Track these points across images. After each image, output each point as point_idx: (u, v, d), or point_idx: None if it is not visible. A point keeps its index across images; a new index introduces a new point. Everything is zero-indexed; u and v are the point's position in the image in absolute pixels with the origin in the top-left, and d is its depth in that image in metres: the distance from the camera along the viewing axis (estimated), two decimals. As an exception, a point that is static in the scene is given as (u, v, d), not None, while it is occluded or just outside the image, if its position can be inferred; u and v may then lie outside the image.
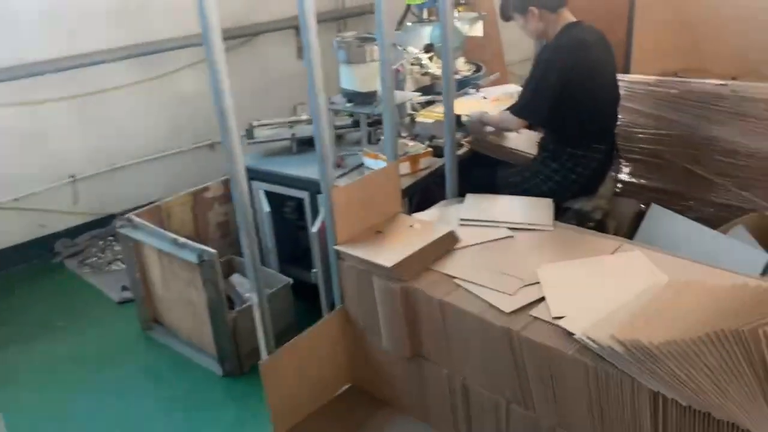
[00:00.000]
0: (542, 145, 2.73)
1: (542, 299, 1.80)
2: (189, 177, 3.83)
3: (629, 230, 3.30)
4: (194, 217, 3.14)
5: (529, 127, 2.91)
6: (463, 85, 3.31)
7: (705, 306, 1.46)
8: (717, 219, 3.08)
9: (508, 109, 2.67)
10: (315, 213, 2.82)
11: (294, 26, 4.55)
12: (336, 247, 2.09)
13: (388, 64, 2.11)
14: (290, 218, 3.08)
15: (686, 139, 3.12)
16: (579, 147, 2.59)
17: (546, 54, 2.51)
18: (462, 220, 2.30)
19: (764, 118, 2.87)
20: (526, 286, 1.88)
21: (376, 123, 3.15)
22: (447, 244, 2.12)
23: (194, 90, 4.16)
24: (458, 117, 2.89)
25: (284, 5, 4.46)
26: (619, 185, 3.35)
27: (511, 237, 2.18)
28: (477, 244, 2.15)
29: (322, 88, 1.89)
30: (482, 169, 2.95)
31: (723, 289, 1.54)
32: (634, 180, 3.35)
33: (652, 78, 3.28)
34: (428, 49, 2.86)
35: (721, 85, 3.06)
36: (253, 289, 2.01)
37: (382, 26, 2.06)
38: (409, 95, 2.91)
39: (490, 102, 3.20)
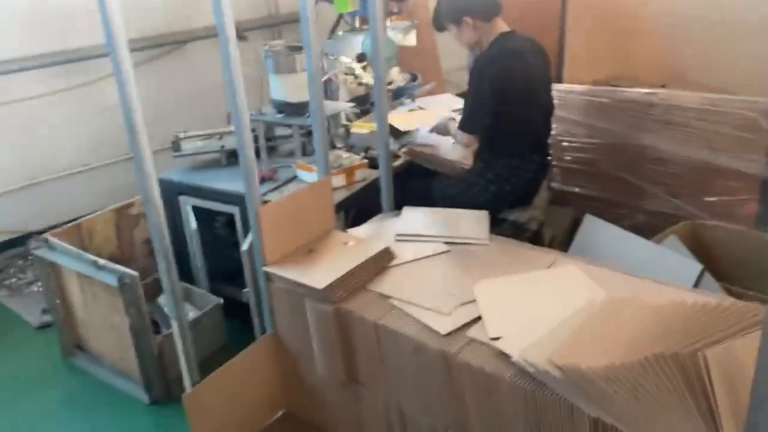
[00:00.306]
0: (478, 156, 2.69)
1: (479, 318, 1.75)
2: (117, 190, 3.64)
3: (565, 239, 3.31)
4: (119, 235, 2.97)
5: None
6: (398, 95, 3.26)
7: (643, 326, 1.43)
8: (650, 227, 3.12)
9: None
10: (247, 229, 2.70)
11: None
12: (265, 269, 1.99)
13: (317, 75, 2.03)
14: (221, 234, 2.95)
15: (618, 148, 3.15)
16: (514, 158, 2.56)
17: (479, 66, 2.48)
18: (398, 235, 2.23)
19: (692, 126, 2.92)
20: (462, 305, 1.82)
21: (311, 133, 3.06)
22: (382, 261, 2.04)
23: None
24: (393, 128, 2.83)
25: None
26: (553, 194, 3.36)
27: (448, 252, 2.13)
28: (413, 260, 2.09)
29: (244, 102, 1.79)
30: (419, 181, 2.90)
31: (661, 307, 1.52)
32: (568, 188, 3.37)
33: (584, 87, 3.31)
34: (361, 58, 2.80)
35: (650, 93, 3.10)
36: (172, 315, 1.88)
37: (309, 35, 1.98)
38: (343, 106, 2.83)
39: (426, 113, 3.15)
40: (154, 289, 2.89)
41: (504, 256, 2.10)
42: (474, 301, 1.84)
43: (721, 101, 2.84)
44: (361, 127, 2.87)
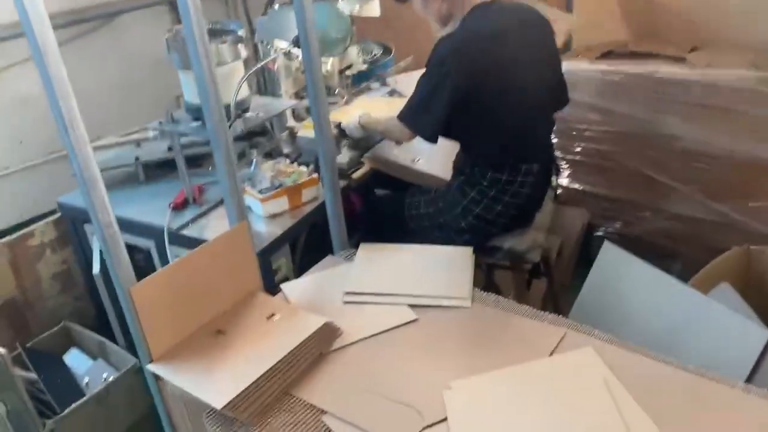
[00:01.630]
0: (457, 167, 2.07)
1: (452, 456, 1.17)
2: (44, 195, 3.02)
3: (576, 248, 2.71)
4: (16, 274, 2.38)
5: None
6: (363, 78, 2.61)
7: None
8: (678, 234, 2.52)
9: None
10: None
11: (168, 0, 3.69)
12: (149, 368, 1.40)
13: (208, 71, 1.39)
14: (146, 271, 2.35)
15: (640, 137, 2.51)
16: (503, 170, 1.93)
17: (443, 49, 1.82)
18: (348, 294, 1.63)
19: (735, 110, 2.27)
20: (426, 428, 1.24)
21: (253, 135, 2.43)
22: (320, 344, 1.45)
23: (41, 88, 3.30)
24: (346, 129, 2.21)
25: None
26: (560, 193, 2.74)
27: (415, 322, 1.53)
28: (366, 338, 1.49)
29: (79, 123, 1.18)
30: (387, 196, 2.29)
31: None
32: (576, 186, 2.74)
33: (594, 62, 2.65)
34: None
35: (678, 64, 2.45)
36: None
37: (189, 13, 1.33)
38: (286, 104, 2.18)
39: (398, 100, 2.50)
40: (62, 343, 2.32)
41: (491, 328, 1.50)
42: (444, 420, 1.25)
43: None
44: (311, 128, 2.23)
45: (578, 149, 2.69)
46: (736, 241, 2.34)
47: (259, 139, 2.40)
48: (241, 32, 1.95)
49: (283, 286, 1.71)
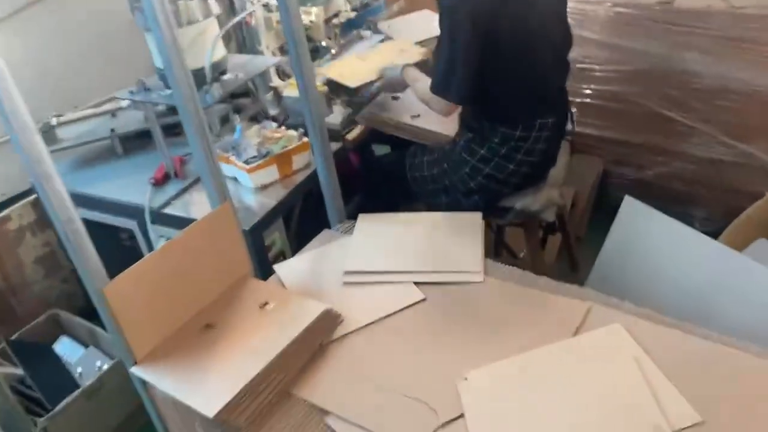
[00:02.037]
0: (464, 123, 1.88)
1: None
2: (19, 173, 2.82)
3: (591, 198, 2.55)
4: (-4, 260, 2.24)
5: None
6: (352, 27, 2.39)
7: None
8: (698, 177, 2.35)
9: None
10: (151, 246, 1.97)
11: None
12: (133, 371, 1.26)
13: (169, 32, 1.20)
14: (132, 252, 2.20)
15: (656, 76, 2.31)
16: (515, 125, 1.75)
17: None
18: (348, 273, 1.49)
19: (764, 42, 2.06)
20: (443, 427, 1.11)
21: (236, 96, 2.25)
22: (320, 333, 1.32)
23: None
24: (338, 85, 2.01)
25: None
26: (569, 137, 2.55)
27: (423, 301, 1.39)
28: (370, 324, 1.35)
29: (22, 112, 1.01)
30: (387, 157, 2.12)
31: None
32: (587, 132, 2.55)
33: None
34: None
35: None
36: None
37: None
38: (268, 61, 1.98)
39: (399, 51, 2.29)
40: (52, 330, 2.19)
41: (506, 306, 1.36)
42: (461, 417, 1.12)
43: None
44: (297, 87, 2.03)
45: (587, 91, 2.49)
46: (763, 184, 2.18)
47: (242, 101, 2.21)
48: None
49: (276, 267, 1.56)
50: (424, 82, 1.82)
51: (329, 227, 1.73)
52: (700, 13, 2.14)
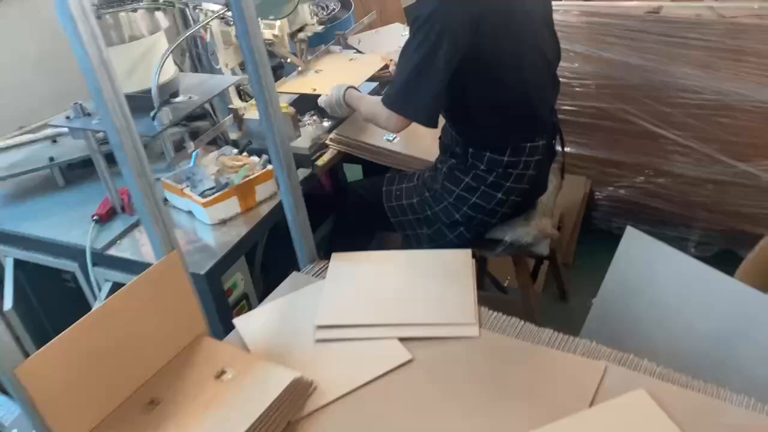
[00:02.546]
0: (446, 148, 1.69)
1: None
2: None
3: (578, 221, 2.38)
4: None
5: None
6: (320, 41, 2.19)
7: None
8: (695, 199, 2.20)
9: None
10: (96, 294, 1.74)
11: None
12: (59, 467, 1.03)
13: (95, 51, 0.99)
14: (77, 297, 1.96)
15: (647, 91, 2.17)
16: (503, 149, 1.57)
17: (429, 3, 1.41)
18: (320, 328, 1.28)
19: (765, 52, 1.92)
20: None
21: (193, 119, 2.03)
22: (288, 408, 1.10)
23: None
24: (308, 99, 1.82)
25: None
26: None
27: (410, 362, 1.19)
28: (345, 395, 1.14)
29: None
30: (360, 185, 1.92)
31: None
32: (573, 150, 2.39)
33: (586, 3, 2.27)
34: None
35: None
36: None
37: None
38: (226, 81, 1.77)
39: (366, 65, 2.10)
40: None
41: (509, 364, 1.16)
42: None
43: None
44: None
45: (571, 108, 2.33)
46: (765, 206, 2.04)
47: (200, 124, 2.00)
48: (159, -5, 1.53)
49: (237, 321, 1.35)
50: (368, 98, 1.67)
51: (298, 268, 1.52)
52: (691, 24, 2.00)
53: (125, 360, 1.12)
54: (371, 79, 2.06)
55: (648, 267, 1.58)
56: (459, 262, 1.42)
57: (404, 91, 1.47)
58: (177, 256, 1.19)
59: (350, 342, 1.25)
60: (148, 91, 1.49)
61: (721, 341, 1.39)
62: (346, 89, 1.80)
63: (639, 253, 1.59)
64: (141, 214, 1.13)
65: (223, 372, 1.15)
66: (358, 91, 1.83)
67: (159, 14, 1.51)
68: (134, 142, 1.06)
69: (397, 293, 1.35)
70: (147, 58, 1.52)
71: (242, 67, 2.08)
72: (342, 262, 1.46)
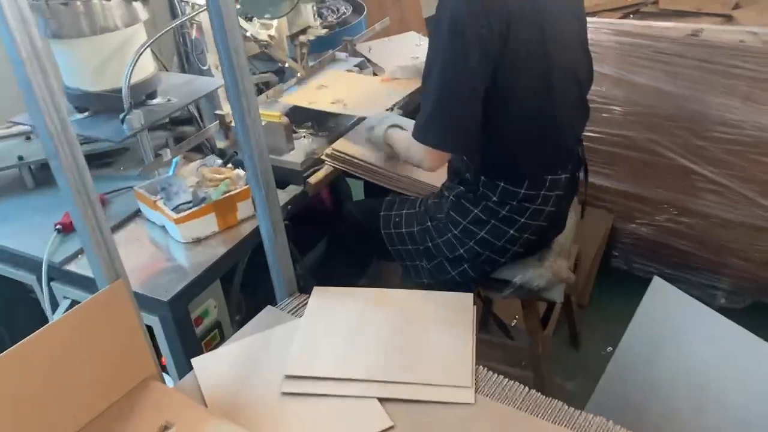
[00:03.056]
0: (455, 173, 1.50)
1: None
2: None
3: (597, 259, 2.18)
4: None
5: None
6: (326, 45, 2.02)
7: None
8: (730, 243, 1.99)
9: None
10: (56, 307, 1.57)
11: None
12: None
13: (25, 41, 0.81)
14: (38, 313, 1.79)
15: (681, 122, 1.97)
16: (520, 181, 1.37)
17: (455, 6, 1.22)
18: (289, 378, 1.09)
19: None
20: None
21: (178, 122, 1.86)
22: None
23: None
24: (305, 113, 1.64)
25: None
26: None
27: (389, 430, 1.00)
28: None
29: None
30: (359, 206, 1.74)
31: None
32: (597, 181, 2.19)
33: (620, 21, 2.08)
34: None
35: (721, 17, 1.91)
36: None
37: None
38: (211, 83, 1.59)
39: (380, 80, 1.92)
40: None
41: (508, 445, 0.97)
42: None
43: None
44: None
45: (595, 135, 2.13)
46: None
47: (186, 128, 1.83)
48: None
49: (195, 362, 1.16)
50: (403, 135, 1.46)
51: (275, 302, 1.34)
52: (734, 50, 1.81)
53: (51, 408, 0.94)
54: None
55: (675, 324, 1.38)
56: (458, 308, 1.22)
57: (434, 118, 1.27)
58: (122, 287, 1.01)
59: (322, 398, 1.06)
60: (116, 90, 1.32)
61: (755, 413, 1.19)
62: (389, 127, 1.57)
63: (665, 307, 1.40)
64: (80, 236, 0.95)
65: (166, 428, 0.97)
66: (401, 128, 1.56)
67: (137, 5, 1.34)
68: (72, 150, 0.88)
69: (383, 343, 1.16)
70: (121, 53, 1.35)
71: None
72: (323, 299, 1.28)
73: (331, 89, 1.84)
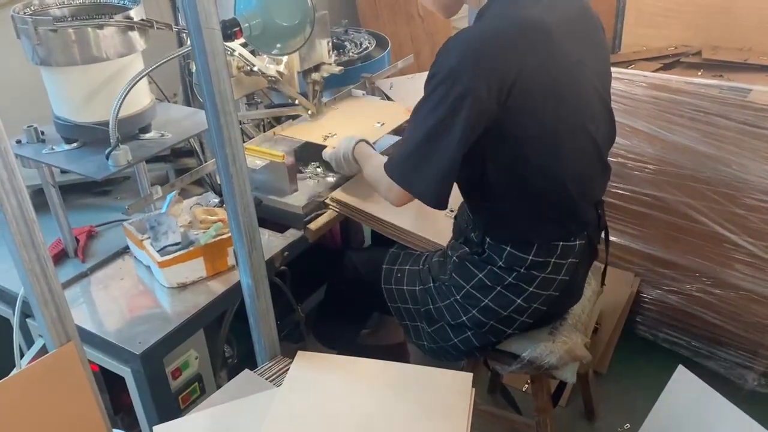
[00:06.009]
0: (460, 231, 1.38)
1: None
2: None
3: (619, 324, 2.03)
4: None
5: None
6: (340, 83, 1.92)
7: None
8: (761, 321, 1.82)
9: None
10: (30, 341, 1.48)
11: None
12: None
13: None
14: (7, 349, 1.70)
15: (718, 186, 1.82)
16: (528, 246, 1.25)
17: (453, 52, 1.12)
18: (255, 462, 0.97)
19: None
20: None
21: (180, 155, 1.78)
22: None
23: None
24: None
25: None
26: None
27: None
28: None
29: None
30: (360, 255, 1.62)
31: None
32: (622, 241, 2.05)
33: (653, 75, 1.95)
34: (232, 25, 1.42)
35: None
36: None
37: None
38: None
39: (405, 110, 1.82)
40: None
41: None
42: None
43: None
44: (253, 153, 1.55)
45: (623, 192, 1.99)
46: None
47: (188, 161, 1.74)
48: (138, 10, 1.27)
49: (157, 430, 1.05)
50: (378, 159, 1.37)
51: (254, 365, 1.22)
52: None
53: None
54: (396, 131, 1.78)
55: (697, 419, 1.23)
56: (455, 390, 1.10)
57: (411, 160, 1.18)
58: (73, 350, 0.90)
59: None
60: (102, 123, 1.23)
61: None
62: (357, 143, 1.52)
63: (687, 399, 1.24)
64: (27, 294, 0.85)
65: None
66: (371, 147, 1.54)
67: (134, 34, 1.26)
68: (19, 199, 0.79)
69: (365, 426, 1.03)
70: (114, 84, 1.26)
71: (248, 101, 1.84)
72: (306, 369, 1.16)
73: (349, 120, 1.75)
